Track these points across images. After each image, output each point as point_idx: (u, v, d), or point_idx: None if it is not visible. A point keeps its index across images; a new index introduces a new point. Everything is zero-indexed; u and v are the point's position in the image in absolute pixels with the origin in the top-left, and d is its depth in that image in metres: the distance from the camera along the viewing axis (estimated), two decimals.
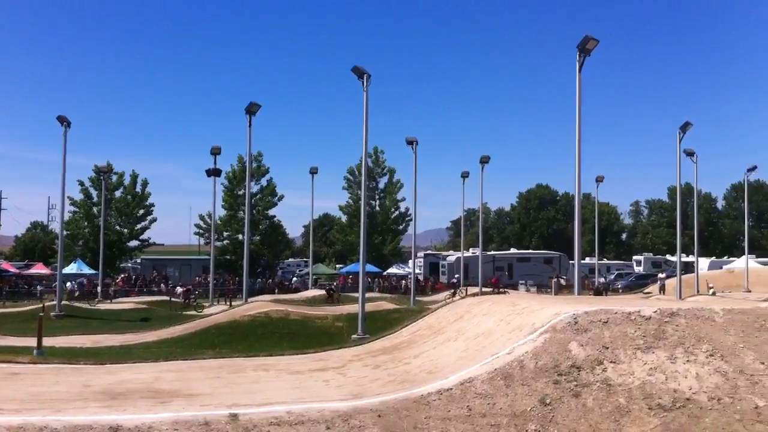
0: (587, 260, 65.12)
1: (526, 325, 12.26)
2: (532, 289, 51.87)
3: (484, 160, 45.52)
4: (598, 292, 47.04)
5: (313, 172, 54.13)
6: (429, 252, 76.69)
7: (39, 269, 58.74)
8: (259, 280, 58.66)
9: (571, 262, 53.87)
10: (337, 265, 75.60)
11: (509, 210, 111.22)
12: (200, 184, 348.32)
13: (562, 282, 51.42)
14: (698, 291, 42.42)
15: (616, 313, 11.76)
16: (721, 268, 60.27)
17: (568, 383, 9.90)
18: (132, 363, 15.76)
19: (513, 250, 73.06)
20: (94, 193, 60.02)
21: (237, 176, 62.01)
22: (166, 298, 44.86)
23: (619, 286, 54.55)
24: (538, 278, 55.83)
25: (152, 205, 62.82)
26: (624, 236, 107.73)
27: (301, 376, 13.58)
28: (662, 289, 45.68)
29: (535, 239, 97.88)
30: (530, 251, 74.40)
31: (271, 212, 64.86)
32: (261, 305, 28.25)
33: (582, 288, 32.38)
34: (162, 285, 55.03)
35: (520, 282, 54.90)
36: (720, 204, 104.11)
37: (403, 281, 60.32)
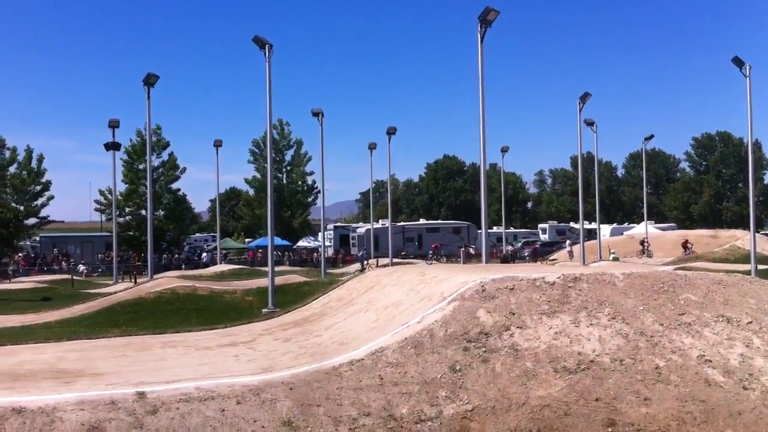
0: (495, 229, 66.63)
1: (435, 294, 12.40)
2: (441, 258, 52.69)
3: (391, 132, 45.69)
4: (506, 260, 48.18)
5: (218, 144, 53.29)
6: (339, 224, 76.83)
7: None
8: (165, 256, 57.43)
9: (479, 231, 54.92)
10: (246, 240, 74.82)
11: (418, 181, 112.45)
12: (98, 159, 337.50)
13: (471, 251, 52.38)
14: (601, 257, 44.04)
15: (521, 280, 12.03)
16: (622, 234, 62.65)
17: (477, 350, 10.08)
18: (34, 343, 15.22)
19: (422, 221, 73.97)
20: None
21: (137, 150, 60.26)
22: (68, 276, 43.48)
23: (526, 254, 56.00)
24: (448, 248, 56.71)
25: (49, 181, 60.49)
26: (529, 205, 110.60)
27: (210, 352, 13.40)
28: (571, 254, 47.21)
29: (444, 210, 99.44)
30: (439, 221, 75.53)
31: (174, 186, 63.51)
32: (167, 281, 27.71)
33: (490, 257, 33.04)
34: (63, 263, 53.35)
35: (430, 252, 55.69)
36: (620, 172, 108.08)
37: (314, 254, 60.33)
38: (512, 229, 77.06)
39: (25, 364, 12.21)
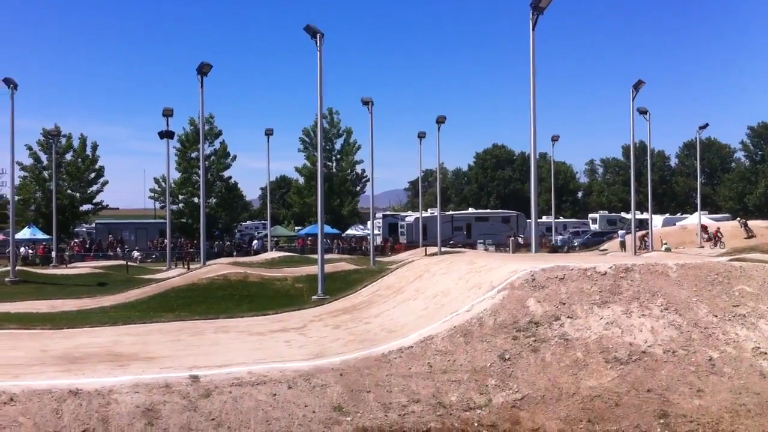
0: (544, 219, 66.02)
1: (485, 283, 12.38)
2: (490, 248, 52.42)
3: (440, 121, 45.50)
4: (555, 249, 47.73)
5: (269, 133, 53.70)
6: (387, 213, 76.84)
7: None
8: (217, 243, 58.26)
9: (528, 220, 54.46)
10: (296, 227, 75.36)
11: (466, 170, 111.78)
12: (153, 147, 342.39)
13: (520, 241, 52.00)
14: (652, 247, 43.30)
15: (572, 269, 11.93)
16: (675, 224, 61.48)
17: (526, 339, 10.05)
18: (90, 327, 15.61)
19: (471, 210, 73.56)
20: (43, 157, 58.80)
21: (190, 139, 61.23)
22: (123, 262, 44.37)
23: (576, 244, 55.37)
24: (496, 237, 56.39)
25: (103, 168, 61.73)
26: (580, 195, 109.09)
27: (262, 337, 13.58)
28: (623, 245, 46.52)
29: (493, 199, 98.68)
30: (488, 211, 74.96)
31: (226, 174, 64.34)
32: (219, 268, 28.07)
33: (539, 246, 32.78)
34: (118, 249, 54.43)
35: (479, 241, 55.41)
36: (673, 162, 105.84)
37: (363, 242, 60.51)
38: (562, 219, 76.16)
39: (81, 348, 12.52)
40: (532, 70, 25.99)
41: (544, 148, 66.60)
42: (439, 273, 15.94)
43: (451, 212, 69.14)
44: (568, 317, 10.58)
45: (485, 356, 9.66)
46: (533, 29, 25.55)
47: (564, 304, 10.90)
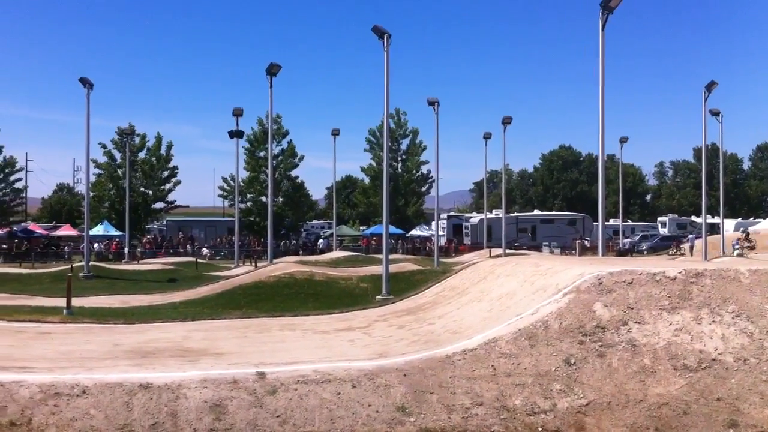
0: (611, 222, 64.82)
1: (550, 286, 12.25)
2: (555, 250, 51.83)
3: (506, 122, 45.21)
4: (622, 253, 46.88)
5: (335, 133, 54.13)
6: (452, 214, 76.66)
7: (66, 231, 59.56)
8: (284, 242, 59.03)
9: (594, 223, 53.60)
10: (361, 227, 75.79)
11: (532, 171, 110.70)
12: (222, 146, 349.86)
13: (586, 244, 51.27)
14: (724, 252, 42.17)
15: (640, 273, 11.70)
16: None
17: (592, 343, 9.92)
18: (160, 322, 16.00)
19: (536, 212, 72.84)
20: (117, 155, 60.57)
21: (258, 138, 62.26)
22: (192, 259, 45.35)
23: (644, 248, 54.26)
24: (562, 240, 55.72)
25: (176, 167, 63.27)
26: (648, 197, 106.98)
27: (327, 336, 13.72)
28: (691, 249, 45.45)
29: (559, 201, 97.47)
30: (554, 213, 74.08)
31: (293, 173, 65.18)
32: (286, 266, 28.41)
33: (606, 250, 32.26)
34: (188, 246, 55.66)
35: (544, 243, 54.86)
36: (746, 165, 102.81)
37: (427, 243, 60.53)
38: (630, 222, 74.67)
39: (152, 342, 12.87)
40: (601, 70, 25.63)
41: (612, 150, 65.37)
42: (504, 275, 15.83)
43: (516, 214, 68.59)
44: (635, 322, 10.40)
45: (550, 360, 9.58)
46: (603, 29, 25.20)
47: (632, 308, 10.72)
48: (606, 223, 37.45)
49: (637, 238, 61.14)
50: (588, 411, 8.73)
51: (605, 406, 8.79)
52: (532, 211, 75.57)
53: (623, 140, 53.82)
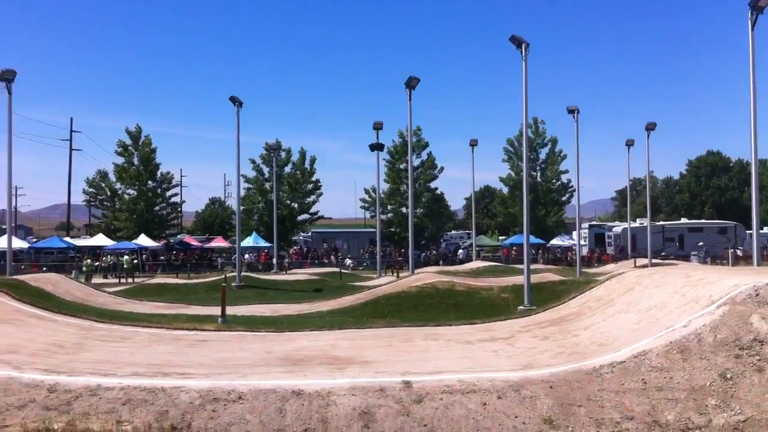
0: (766, 230, 61.23)
1: (702, 297, 11.78)
2: (705, 260, 49.55)
3: (650, 127, 43.77)
4: None
5: (473, 144, 54.11)
6: (594, 223, 74.74)
7: (219, 242, 62.49)
8: (424, 252, 59.50)
9: (748, 232, 50.82)
10: (500, 237, 75.22)
11: (678, 179, 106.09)
12: (363, 159, 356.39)
13: (739, 253, 48.70)
14: None
15: None
16: None
17: (750, 357, 9.46)
18: (308, 331, 16.57)
19: (684, 220, 69.79)
20: (265, 169, 63.08)
21: (398, 150, 63.19)
22: (336, 269, 46.47)
23: None
24: (712, 249, 53.18)
25: (319, 180, 65.27)
26: None
27: (470, 346, 13.78)
28: None
29: (707, 208, 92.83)
30: (703, 221, 70.62)
31: (432, 185, 65.64)
32: (427, 276, 28.61)
33: (761, 259, 30.49)
34: (332, 257, 57.12)
35: (692, 253, 52.54)
36: None
37: (568, 253, 59.33)
38: None
39: (302, 350, 13.35)
40: (752, 72, 24.48)
41: (766, 154, 61.79)
42: (652, 285, 15.36)
43: (661, 222, 66.00)
44: None
45: (704, 374, 9.23)
46: (752, 29, 24.10)
47: None
48: (761, 231, 35.45)
49: None
50: (746, 427, 8.35)
51: (764, 423, 8.38)
52: (679, 220, 72.47)
53: None
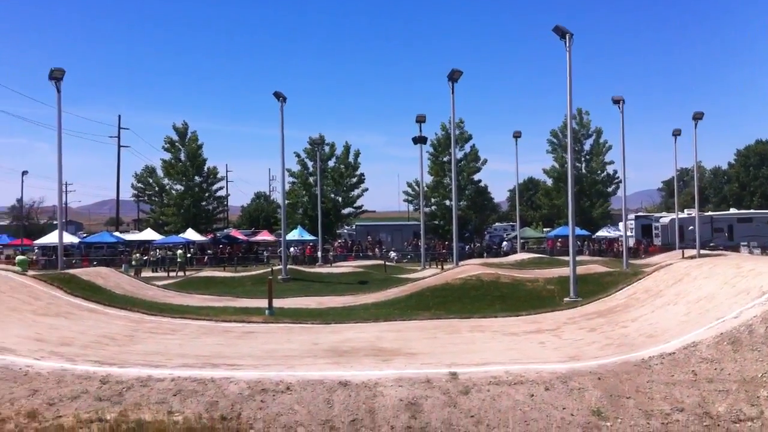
0: None
1: (753, 288, 11.62)
2: (755, 251, 48.62)
3: (698, 117, 42.93)
4: None
5: (517, 136, 53.73)
6: (640, 214, 73.71)
7: (264, 236, 63.14)
8: (468, 244, 59.33)
9: None
10: (545, 229, 74.62)
11: (726, 168, 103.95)
12: (407, 152, 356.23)
13: None
14: None
15: None
16: None
17: None
18: (354, 323, 16.70)
19: (733, 210, 68.44)
20: (309, 163, 63.59)
21: (441, 143, 63.03)
22: (381, 262, 46.57)
23: None
24: (762, 239, 52.12)
25: (363, 174, 65.50)
26: None
27: (516, 338, 13.76)
28: None
29: (757, 198, 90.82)
30: (752, 211, 69.14)
31: (475, 177, 65.35)
32: (471, 268, 28.53)
33: None
34: (376, 249, 57.26)
35: (742, 244, 51.57)
36: None
37: (614, 244, 58.63)
38: None
39: (348, 342, 13.47)
40: None
41: None
42: (701, 277, 15.17)
43: (710, 213, 64.82)
44: None
45: (756, 366, 9.10)
46: None
47: None
48: None
49: None
50: None
51: None
52: (728, 210, 71.03)
53: None
